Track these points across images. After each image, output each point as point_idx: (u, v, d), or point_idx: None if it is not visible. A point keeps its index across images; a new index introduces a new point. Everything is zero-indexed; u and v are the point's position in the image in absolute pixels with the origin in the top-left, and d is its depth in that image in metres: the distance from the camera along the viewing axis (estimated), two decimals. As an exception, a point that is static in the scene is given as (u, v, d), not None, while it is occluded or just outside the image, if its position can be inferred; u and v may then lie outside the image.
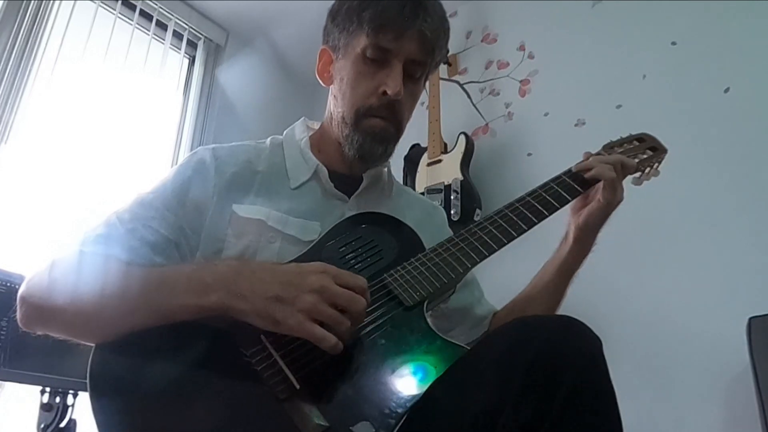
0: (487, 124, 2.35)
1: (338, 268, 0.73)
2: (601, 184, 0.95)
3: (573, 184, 0.96)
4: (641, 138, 1.10)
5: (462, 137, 2.22)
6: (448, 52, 1.05)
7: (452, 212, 2.03)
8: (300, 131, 1.04)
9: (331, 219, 0.93)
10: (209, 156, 0.94)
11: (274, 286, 0.70)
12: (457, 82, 2.52)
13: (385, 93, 0.91)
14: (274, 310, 0.69)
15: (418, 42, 0.91)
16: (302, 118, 1.08)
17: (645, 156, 1.08)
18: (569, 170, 0.99)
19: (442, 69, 2.48)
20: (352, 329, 0.70)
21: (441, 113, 2.30)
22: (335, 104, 0.98)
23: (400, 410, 0.67)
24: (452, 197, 2.07)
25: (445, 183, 2.13)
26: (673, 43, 1.92)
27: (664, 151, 1.10)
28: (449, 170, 2.17)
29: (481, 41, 2.51)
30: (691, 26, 1.90)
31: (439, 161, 2.22)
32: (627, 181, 1.01)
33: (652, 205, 1.73)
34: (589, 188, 0.97)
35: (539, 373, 0.61)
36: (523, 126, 2.24)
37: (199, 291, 0.72)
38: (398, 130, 0.97)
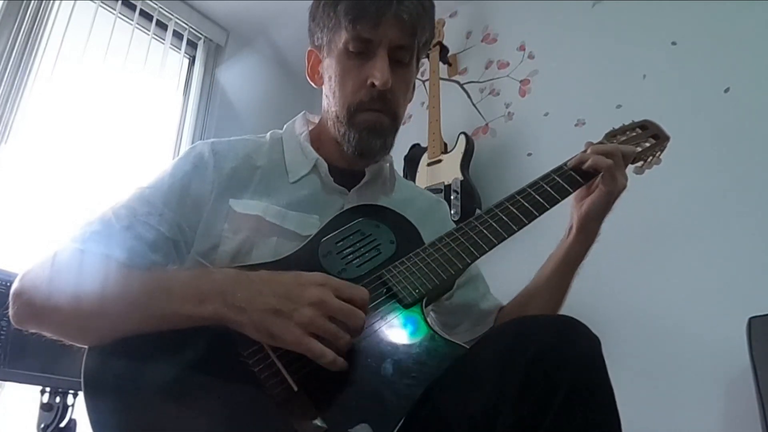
0: (487, 124, 2.35)
1: (339, 280, 0.72)
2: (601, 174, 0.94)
3: (575, 175, 0.95)
4: (644, 125, 1.09)
5: (462, 137, 2.22)
6: (434, 30, 1.02)
7: (452, 212, 2.03)
8: (300, 125, 1.03)
9: (330, 212, 0.91)
10: (208, 151, 0.93)
11: (272, 299, 0.69)
12: (457, 82, 2.52)
13: (373, 85, 0.89)
14: (271, 324, 0.68)
15: (397, 26, 0.89)
16: (303, 112, 1.07)
17: (647, 144, 1.06)
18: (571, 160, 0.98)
19: (442, 69, 2.48)
20: (350, 343, 0.69)
21: (441, 113, 2.30)
22: (328, 104, 0.97)
23: (398, 411, 0.67)
24: (452, 197, 2.07)
25: (445, 183, 2.13)
26: (673, 43, 1.92)
27: (667, 138, 1.08)
28: (449, 170, 2.17)
29: (481, 41, 2.51)
30: (691, 26, 1.90)
31: (439, 161, 2.22)
32: (629, 172, 1.00)
33: (652, 204, 1.73)
34: (591, 179, 0.95)
35: (538, 372, 0.60)
36: (523, 126, 2.24)
37: (195, 300, 0.71)
38: (394, 120, 0.95)
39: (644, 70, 1.96)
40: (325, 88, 0.98)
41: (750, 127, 1.68)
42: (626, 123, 1.09)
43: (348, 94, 0.92)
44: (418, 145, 2.33)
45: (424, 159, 2.27)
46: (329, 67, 0.95)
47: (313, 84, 1.02)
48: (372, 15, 0.88)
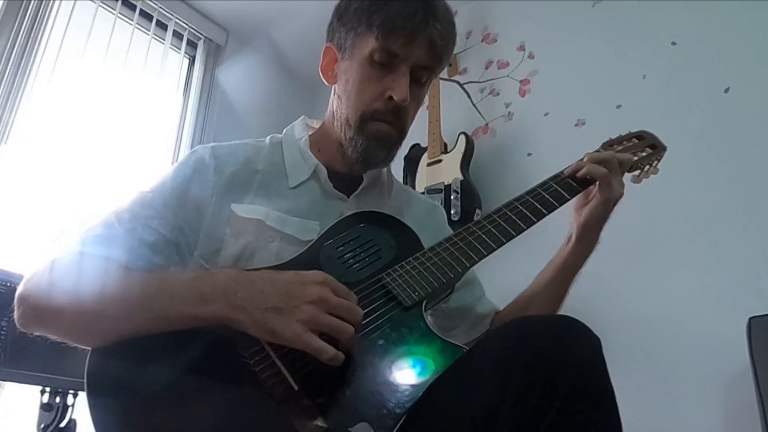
0: (487, 124, 2.35)
1: (337, 281, 0.72)
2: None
3: (572, 183, 0.96)
4: (640, 135, 1.10)
5: (462, 137, 2.22)
6: (451, 55, 1.04)
7: (452, 212, 2.03)
8: (300, 130, 1.04)
9: (330, 218, 0.92)
10: (208, 155, 0.94)
11: (273, 297, 0.69)
12: (457, 82, 2.52)
13: (391, 98, 0.91)
14: (273, 322, 0.68)
15: (427, 48, 0.91)
16: (302, 117, 1.07)
17: (644, 154, 1.07)
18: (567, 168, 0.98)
19: (442, 69, 2.48)
20: (354, 338, 0.69)
21: (441, 113, 2.30)
22: (339, 105, 0.97)
23: (398, 411, 0.67)
24: (452, 197, 2.07)
25: (445, 183, 2.13)
26: (673, 43, 1.92)
27: (664, 148, 1.09)
28: (449, 170, 2.17)
29: (481, 41, 2.51)
30: (691, 26, 1.90)
31: (439, 161, 2.22)
32: (626, 180, 1.00)
33: (652, 205, 1.73)
34: (588, 186, 0.96)
35: (538, 372, 0.61)
36: (523, 126, 2.24)
37: (198, 301, 0.71)
38: (402, 135, 0.97)
39: (644, 70, 1.96)
40: (338, 89, 0.98)
41: (750, 127, 1.68)
42: (623, 134, 1.11)
43: (364, 101, 0.93)
44: (418, 145, 2.33)
45: (424, 159, 2.27)
46: (347, 70, 0.95)
47: (324, 80, 1.02)
48: (406, 32, 0.89)
